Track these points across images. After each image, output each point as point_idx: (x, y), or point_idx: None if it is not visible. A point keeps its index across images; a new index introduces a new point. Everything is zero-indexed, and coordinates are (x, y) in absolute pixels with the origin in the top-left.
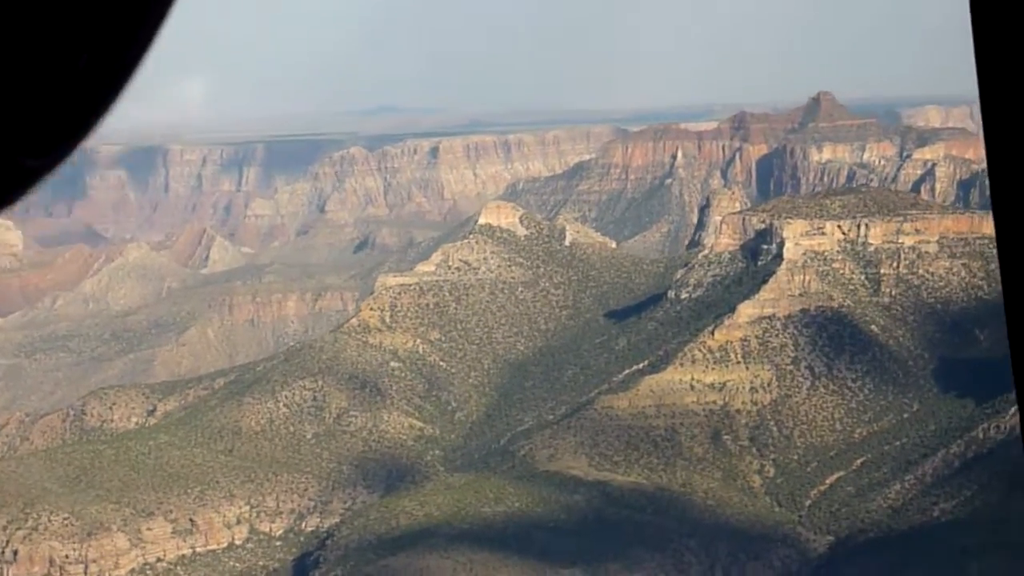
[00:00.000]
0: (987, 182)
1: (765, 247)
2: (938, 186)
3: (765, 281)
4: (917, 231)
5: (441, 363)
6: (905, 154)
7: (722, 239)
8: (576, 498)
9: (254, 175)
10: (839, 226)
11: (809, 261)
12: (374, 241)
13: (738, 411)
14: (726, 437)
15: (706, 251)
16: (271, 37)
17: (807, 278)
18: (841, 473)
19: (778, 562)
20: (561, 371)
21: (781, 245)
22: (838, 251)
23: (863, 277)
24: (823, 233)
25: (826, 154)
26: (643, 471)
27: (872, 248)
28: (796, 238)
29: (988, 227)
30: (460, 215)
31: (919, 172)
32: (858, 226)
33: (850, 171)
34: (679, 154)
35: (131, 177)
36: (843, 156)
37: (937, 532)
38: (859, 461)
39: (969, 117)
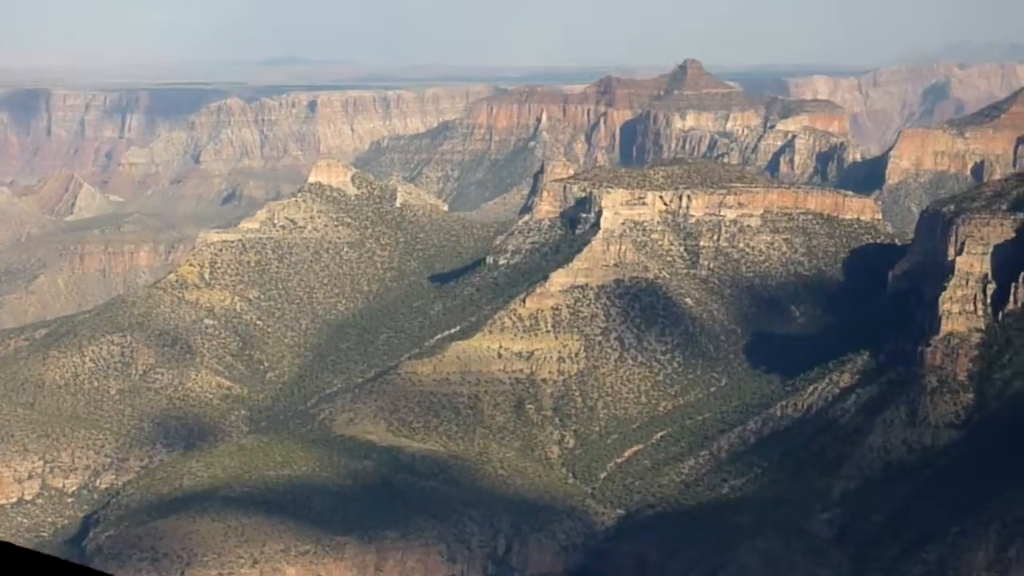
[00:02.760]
0: (844, 154)
1: (584, 215)
2: (797, 158)
3: (580, 250)
4: (740, 204)
5: (258, 322)
6: (769, 125)
7: (543, 206)
8: (366, 464)
9: (137, 122)
10: (661, 197)
11: (628, 231)
12: (242, 193)
13: (544, 380)
14: (529, 406)
15: (526, 218)
16: None
17: (623, 248)
18: (640, 446)
19: (562, 534)
20: (376, 334)
21: (599, 214)
22: (658, 222)
23: (682, 249)
24: (644, 203)
25: (689, 122)
26: (441, 438)
27: (693, 220)
28: (615, 207)
29: (813, 202)
30: None
31: (779, 143)
32: (680, 197)
33: (712, 139)
34: (544, 117)
35: (13, 119)
36: (706, 124)
37: (721, 509)
38: (659, 435)
39: (857, 89)
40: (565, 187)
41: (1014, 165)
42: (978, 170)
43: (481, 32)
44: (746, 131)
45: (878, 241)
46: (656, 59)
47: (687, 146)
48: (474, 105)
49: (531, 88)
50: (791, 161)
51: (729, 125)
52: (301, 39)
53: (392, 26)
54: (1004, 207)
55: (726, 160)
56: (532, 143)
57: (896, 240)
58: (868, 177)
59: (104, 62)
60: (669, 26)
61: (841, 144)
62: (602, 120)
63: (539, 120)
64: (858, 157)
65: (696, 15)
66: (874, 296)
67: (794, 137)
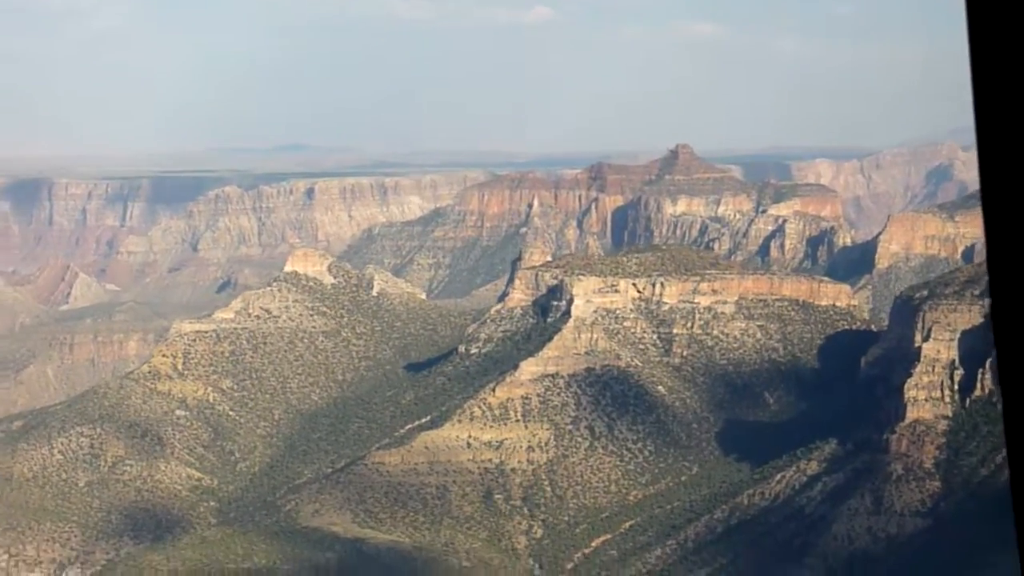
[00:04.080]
0: (835, 239)
1: (555, 303)
2: (787, 242)
3: (551, 338)
4: (714, 291)
5: (230, 412)
6: (761, 209)
7: (515, 294)
8: (328, 556)
9: (139, 210)
10: (634, 284)
11: (600, 319)
12: (237, 281)
13: (513, 470)
14: (498, 496)
15: (499, 306)
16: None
17: (594, 336)
18: (608, 536)
19: None
20: (348, 424)
21: (571, 302)
22: (631, 309)
23: (655, 336)
24: (616, 291)
25: (680, 207)
26: (407, 529)
27: (667, 307)
28: (587, 295)
29: (788, 288)
30: (335, 256)
31: (770, 228)
32: (654, 284)
33: (703, 224)
34: (535, 203)
35: (15, 209)
36: (698, 209)
37: None
38: (628, 524)
39: (859, 172)
40: (537, 275)
41: None
42: (969, 253)
43: (483, 119)
44: (738, 216)
45: (854, 327)
46: (657, 143)
47: (678, 231)
48: (466, 192)
49: (523, 174)
50: (781, 246)
51: (721, 210)
52: (306, 126)
53: (396, 113)
54: (976, 292)
55: (716, 246)
56: (523, 229)
57: (872, 326)
58: (859, 262)
59: (108, 150)
60: (670, 110)
61: (831, 228)
62: (593, 206)
63: (531, 206)
64: (848, 241)
65: (697, 99)
66: (847, 383)
67: (785, 222)
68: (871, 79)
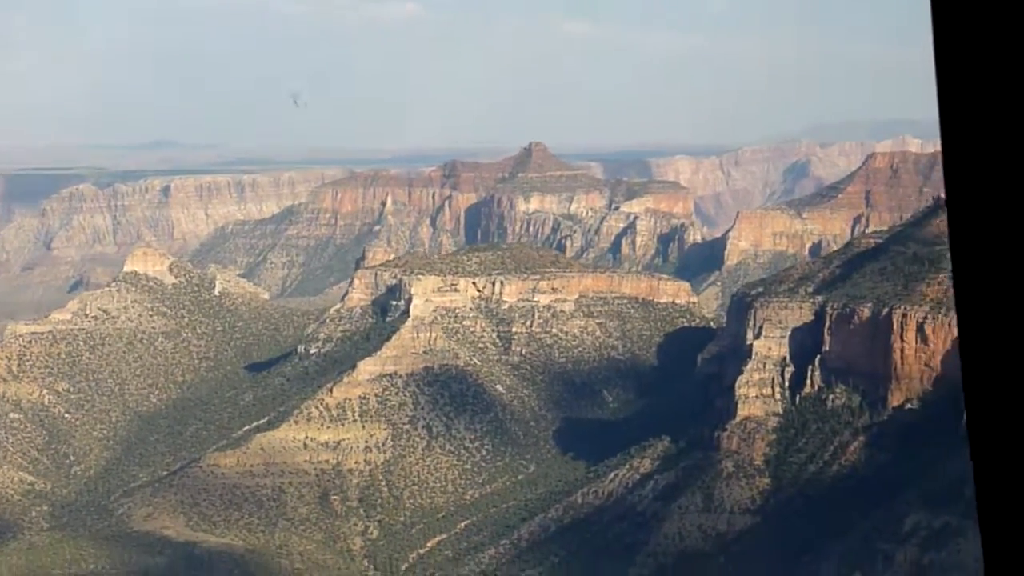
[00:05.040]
0: (686, 236)
1: (394, 303)
2: (638, 239)
3: (390, 338)
4: (554, 289)
5: (66, 415)
6: (613, 206)
7: (355, 294)
8: (158, 560)
9: None
10: (473, 283)
11: (439, 318)
12: (89, 280)
13: (350, 471)
14: (334, 497)
15: (338, 306)
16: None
17: (433, 336)
18: (444, 536)
19: None
20: (186, 425)
21: (409, 301)
22: (470, 308)
23: (494, 335)
24: (456, 290)
25: (533, 204)
26: (241, 532)
27: (506, 306)
28: (427, 294)
29: (628, 286)
30: (189, 255)
31: (622, 225)
32: (493, 283)
33: (556, 222)
34: (389, 201)
35: None
36: (551, 207)
37: None
38: (464, 524)
39: (719, 168)
40: (376, 274)
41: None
42: (816, 250)
43: (344, 116)
44: (590, 213)
45: (693, 324)
46: (519, 140)
47: (531, 229)
48: (319, 190)
49: (376, 172)
50: (633, 243)
51: (573, 207)
52: (171, 123)
53: (262, 109)
54: (809, 289)
55: (568, 243)
56: (377, 227)
57: (712, 323)
58: (708, 259)
59: None
60: (534, 107)
61: (682, 225)
62: (447, 203)
63: (384, 204)
64: (699, 238)
65: (562, 96)
66: (685, 380)
67: (636, 219)
68: (735, 76)
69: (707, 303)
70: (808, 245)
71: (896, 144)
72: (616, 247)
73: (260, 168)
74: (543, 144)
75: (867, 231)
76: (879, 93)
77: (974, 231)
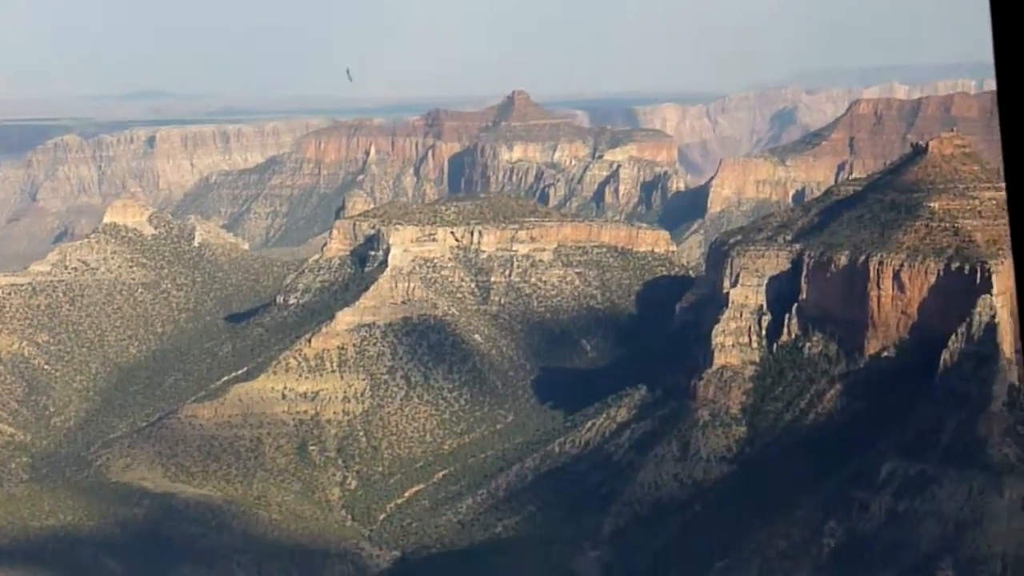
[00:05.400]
0: (669, 184)
1: (373, 253)
2: (621, 188)
3: (368, 288)
4: (532, 239)
5: (46, 366)
6: (597, 155)
7: (333, 244)
8: (136, 511)
9: None
10: (452, 232)
11: (417, 268)
12: (74, 231)
13: (328, 421)
14: (312, 448)
15: (317, 256)
16: (35, 14)
17: (411, 286)
18: (421, 486)
19: None
20: (165, 377)
21: (388, 251)
22: (449, 258)
23: (473, 285)
24: (434, 240)
25: (516, 153)
26: (219, 483)
27: (485, 255)
28: (405, 244)
29: (607, 235)
30: (174, 205)
31: (605, 174)
32: (472, 233)
33: (539, 171)
34: (372, 150)
35: None
36: (534, 155)
37: (492, 550)
38: (441, 474)
39: (706, 116)
40: (355, 224)
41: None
42: (799, 197)
43: (330, 65)
44: (574, 162)
45: (672, 273)
46: (504, 89)
47: (514, 178)
48: (303, 139)
49: (360, 121)
50: (616, 192)
51: (557, 156)
52: (161, 73)
53: (250, 59)
54: (788, 237)
55: (551, 192)
56: (361, 177)
57: (691, 272)
58: (691, 206)
59: None
60: (517, 55)
61: (665, 173)
62: (430, 153)
63: (367, 153)
64: (682, 186)
65: (546, 44)
66: (663, 329)
67: (619, 167)
68: (720, 23)
69: (690, 251)
70: (792, 192)
71: (883, 90)
72: (599, 196)
73: (248, 118)
74: (526, 93)
75: (851, 178)
76: (867, 39)
77: None
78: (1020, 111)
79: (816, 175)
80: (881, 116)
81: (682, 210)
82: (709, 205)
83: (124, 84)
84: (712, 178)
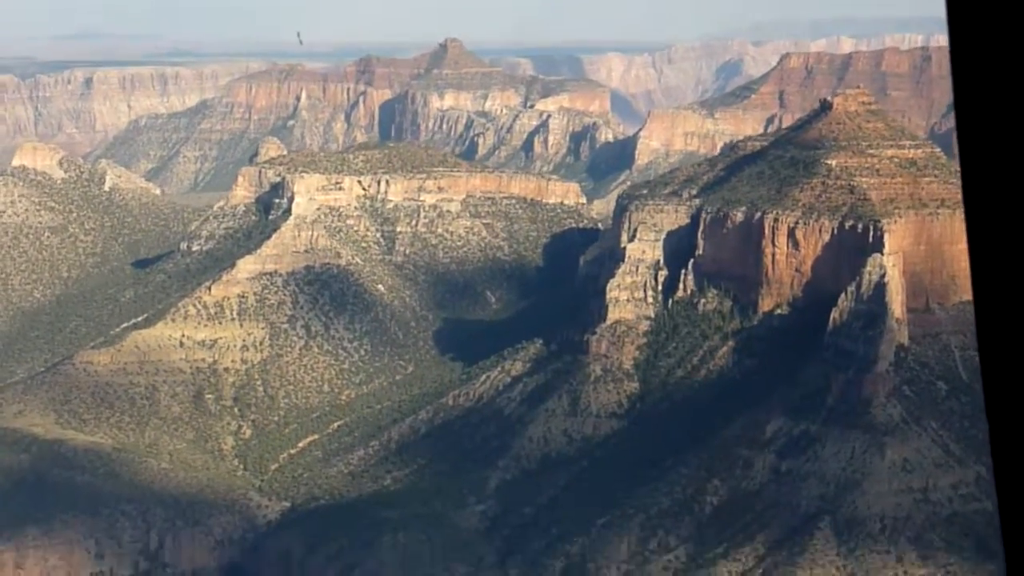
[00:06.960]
0: (597, 135)
1: (277, 201)
2: (551, 138)
3: (271, 236)
4: (440, 189)
5: None
6: (528, 104)
7: (238, 191)
8: (22, 458)
9: None
10: (359, 181)
11: (322, 217)
12: (6, 172)
13: (226, 370)
14: (209, 396)
15: (221, 203)
16: None
17: (315, 234)
18: (315, 436)
19: (219, 529)
20: (66, 322)
21: (292, 199)
22: (355, 207)
23: (378, 235)
24: (340, 188)
25: (448, 101)
26: (111, 430)
27: (391, 205)
28: (310, 192)
29: (517, 187)
30: (104, 147)
31: (535, 123)
32: (379, 182)
33: (469, 119)
34: (303, 96)
35: None
36: (465, 104)
37: (378, 502)
38: (336, 424)
39: (651, 66)
40: (261, 171)
41: None
42: (727, 151)
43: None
44: (504, 111)
45: (581, 226)
46: (440, 35)
47: (444, 126)
48: (234, 83)
49: (292, 66)
50: (545, 141)
51: (488, 105)
52: (102, 13)
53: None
54: (693, 191)
55: (481, 141)
56: (291, 122)
57: (600, 225)
58: (619, 157)
59: None
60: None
61: (594, 124)
62: (361, 99)
63: (298, 99)
64: (610, 138)
65: None
66: (568, 283)
67: (549, 117)
68: None
69: (613, 203)
70: (719, 145)
71: (830, 44)
72: (528, 146)
73: (188, 61)
74: (459, 41)
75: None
76: None
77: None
78: (972, 69)
79: (745, 128)
80: (812, 70)
81: (610, 161)
82: (637, 157)
83: (65, 25)
84: (640, 129)
